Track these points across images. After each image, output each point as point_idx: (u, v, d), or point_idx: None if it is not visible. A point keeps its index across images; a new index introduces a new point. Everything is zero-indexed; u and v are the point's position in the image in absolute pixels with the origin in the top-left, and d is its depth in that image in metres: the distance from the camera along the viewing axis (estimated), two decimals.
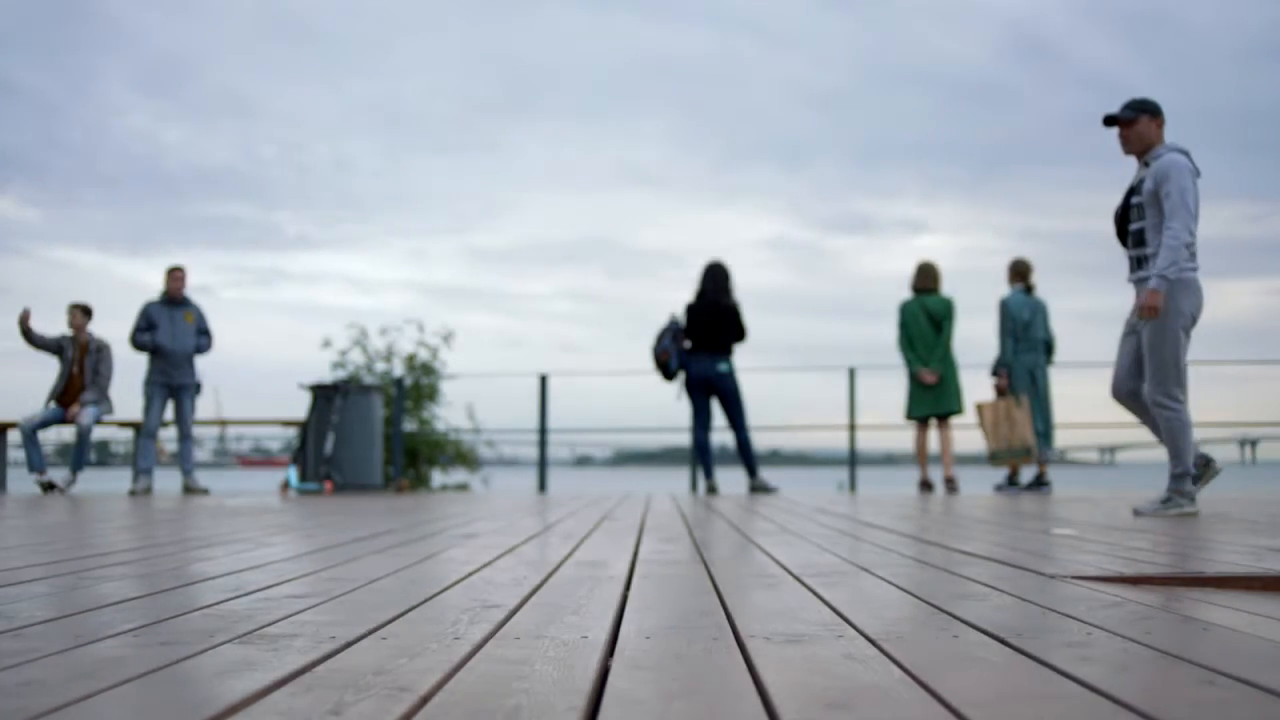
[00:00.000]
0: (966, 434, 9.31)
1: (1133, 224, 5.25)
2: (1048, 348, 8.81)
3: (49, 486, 9.25)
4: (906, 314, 8.82)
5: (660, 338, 8.76)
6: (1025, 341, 8.64)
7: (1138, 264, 5.23)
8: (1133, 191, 5.30)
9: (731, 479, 9.31)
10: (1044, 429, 8.62)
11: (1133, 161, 5.30)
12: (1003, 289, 8.83)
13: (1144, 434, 5.32)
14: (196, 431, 9.67)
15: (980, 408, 8.69)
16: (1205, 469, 5.19)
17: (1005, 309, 8.69)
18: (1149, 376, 5.11)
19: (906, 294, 8.95)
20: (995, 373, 8.83)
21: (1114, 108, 5.26)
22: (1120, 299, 5.40)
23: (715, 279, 8.77)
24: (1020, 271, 8.81)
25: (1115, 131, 5.31)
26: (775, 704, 1.03)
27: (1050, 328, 8.79)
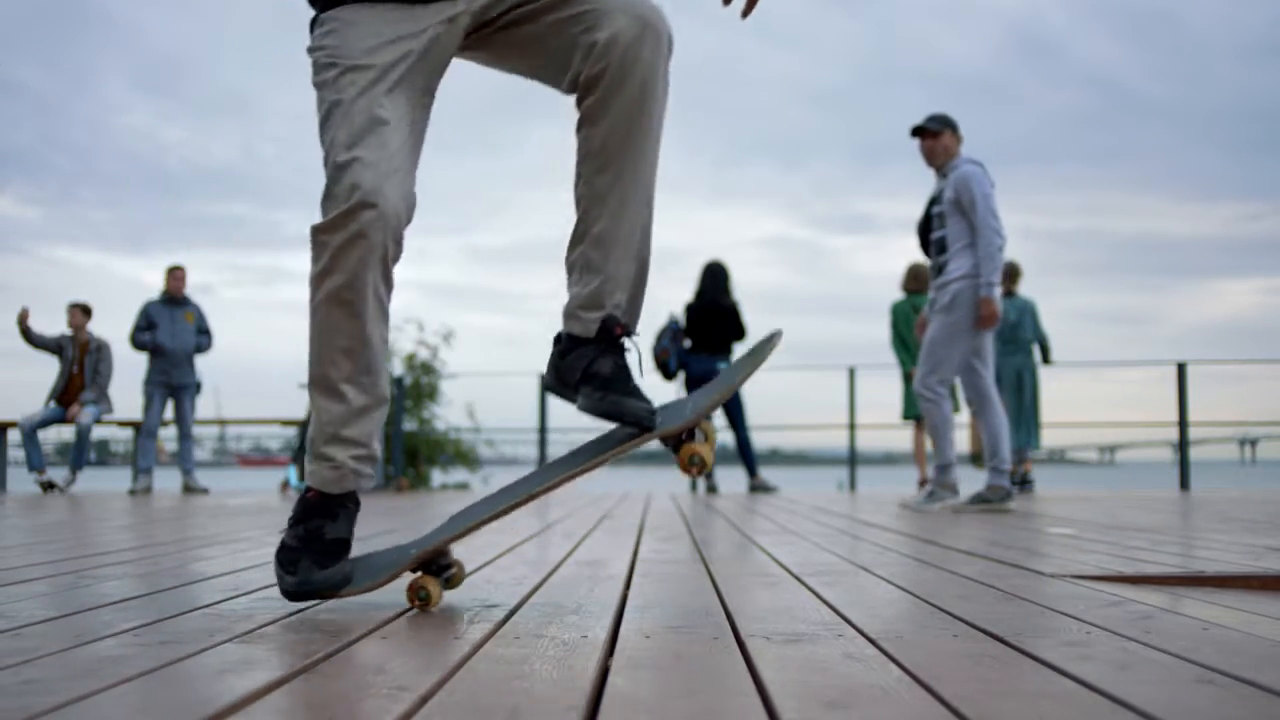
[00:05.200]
0: (966, 433, 9.30)
1: (934, 233, 5.64)
2: (1043, 348, 8.79)
3: (49, 486, 9.25)
4: (898, 314, 8.83)
5: (660, 337, 8.76)
6: (1012, 343, 8.63)
7: (938, 271, 5.57)
8: (933, 202, 5.66)
9: (731, 478, 9.31)
10: (1030, 429, 8.61)
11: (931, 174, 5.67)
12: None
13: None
14: (196, 431, 9.67)
15: None
16: (1004, 495, 5.42)
17: None
18: (922, 365, 5.49)
19: (899, 295, 8.97)
20: None
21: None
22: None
23: (714, 278, 8.78)
24: (1005, 274, 8.81)
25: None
26: (775, 703, 1.03)
27: (1041, 328, 8.78)
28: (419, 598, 1.72)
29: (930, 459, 9.22)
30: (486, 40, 1.83)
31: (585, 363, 1.79)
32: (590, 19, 1.72)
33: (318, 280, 1.68)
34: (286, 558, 1.78)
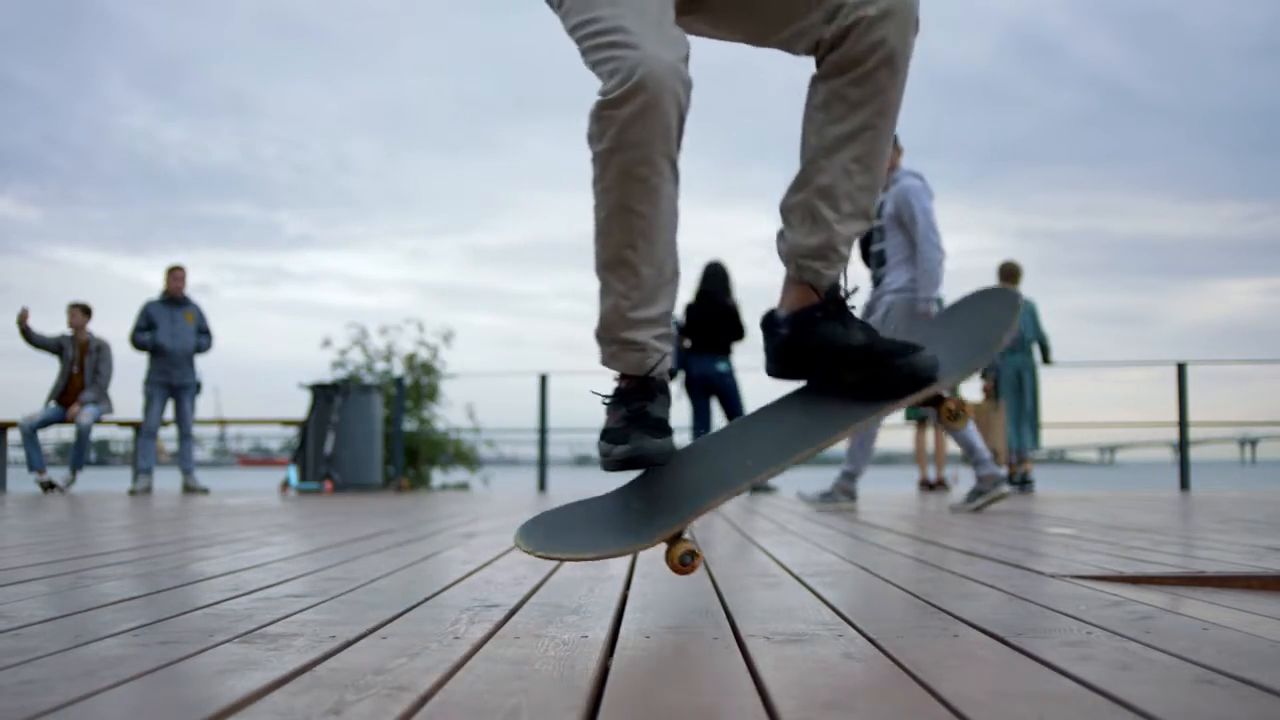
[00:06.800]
0: None
1: (874, 245, 5.70)
2: (1042, 348, 8.80)
3: (49, 486, 9.26)
4: None
5: None
6: (1013, 343, 8.64)
7: (877, 283, 5.70)
8: None
9: None
10: (1030, 429, 8.61)
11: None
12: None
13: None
14: (196, 431, 9.69)
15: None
16: (996, 481, 5.42)
17: None
18: None
19: None
20: (983, 375, 8.86)
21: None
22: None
23: (715, 279, 8.78)
24: (1005, 273, 8.82)
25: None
26: (775, 703, 1.03)
27: (1041, 328, 8.78)
28: (683, 562, 1.64)
29: (929, 461, 9.25)
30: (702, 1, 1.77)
31: (834, 342, 1.74)
32: None
33: (607, 157, 1.61)
34: (615, 435, 1.72)
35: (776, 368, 1.84)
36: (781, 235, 1.82)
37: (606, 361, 1.77)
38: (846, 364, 1.74)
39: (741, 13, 1.79)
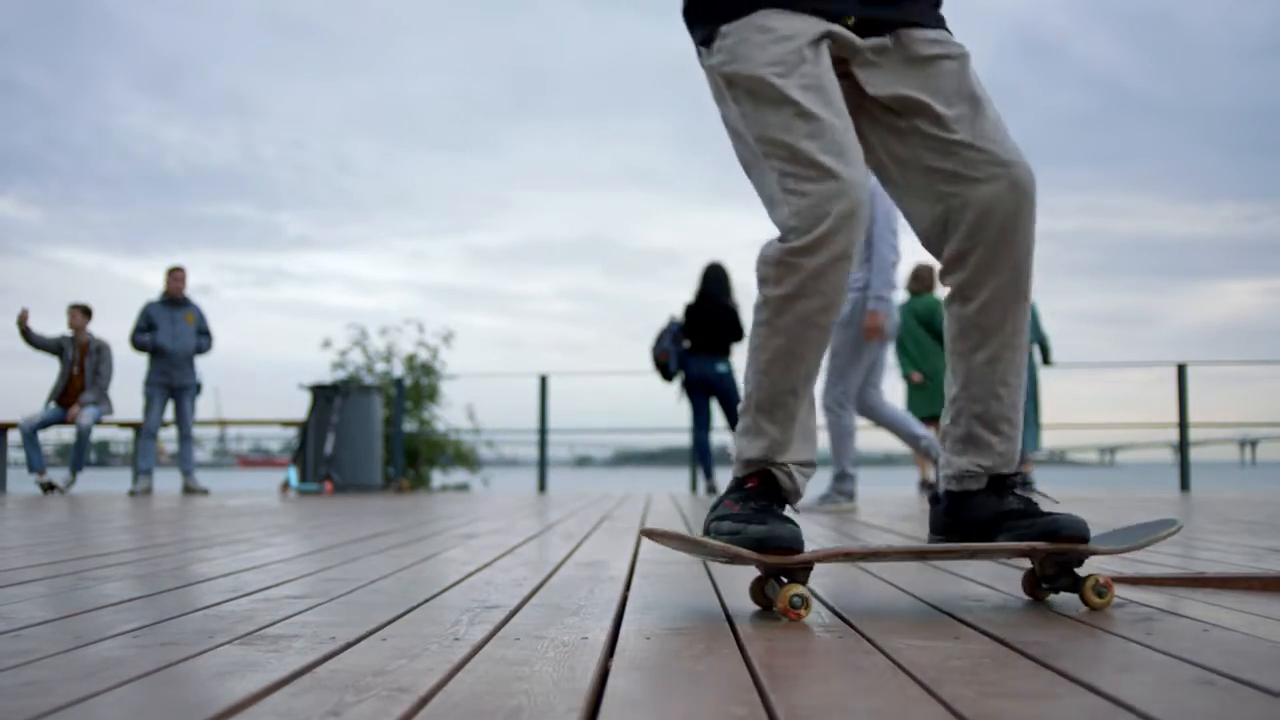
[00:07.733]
0: None
1: None
2: (1043, 349, 8.79)
3: (49, 487, 9.25)
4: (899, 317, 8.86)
5: (660, 339, 8.77)
6: None
7: None
8: None
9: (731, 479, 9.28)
10: (1030, 430, 8.61)
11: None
12: None
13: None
14: (196, 432, 9.68)
15: None
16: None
17: None
18: (826, 378, 5.66)
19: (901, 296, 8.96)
20: None
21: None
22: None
23: (715, 279, 8.77)
24: None
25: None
26: (775, 704, 1.03)
27: (1041, 328, 8.77)
28: (792, 604, 1.60)
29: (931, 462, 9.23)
30: (862, 113, 1.72)
31: (991, 512, 1.75)
32: (961, 184, 1.65)
33: (784, 303, 1.58)
34: (746, 518, 1.64)
35: (938, 535, 1.86)
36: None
37: (744, 468, 1.72)
38: (1000, 528, 1.74)
39: (890, 160, 1.75)
